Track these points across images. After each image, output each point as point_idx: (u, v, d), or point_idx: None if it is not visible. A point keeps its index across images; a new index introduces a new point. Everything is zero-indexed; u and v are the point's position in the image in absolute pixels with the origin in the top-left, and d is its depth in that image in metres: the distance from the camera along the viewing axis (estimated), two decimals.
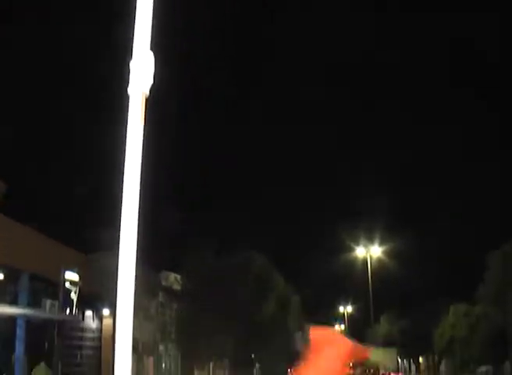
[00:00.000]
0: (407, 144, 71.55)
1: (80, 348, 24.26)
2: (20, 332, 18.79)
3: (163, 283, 32.42)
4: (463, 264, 40.00)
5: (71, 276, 21.06)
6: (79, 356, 24.16)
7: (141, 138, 1.98)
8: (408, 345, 43.40)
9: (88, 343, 25.03)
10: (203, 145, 57.98)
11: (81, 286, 21.51)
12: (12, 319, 18.46)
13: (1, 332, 18.51)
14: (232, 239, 35.12)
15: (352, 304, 65.12)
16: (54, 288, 20.74)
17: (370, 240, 39.73)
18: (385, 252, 39.76)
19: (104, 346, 26.08)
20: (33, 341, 19.76)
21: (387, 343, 47.27)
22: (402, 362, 57.19)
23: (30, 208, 29.31)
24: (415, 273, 42.53)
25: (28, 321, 19.23)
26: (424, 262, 44.80)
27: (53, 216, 29.86)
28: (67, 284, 20.90)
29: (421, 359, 51.46)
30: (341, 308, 67.72)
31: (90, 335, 25.22)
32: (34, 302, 19.50)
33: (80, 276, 21.41)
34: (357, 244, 39.83)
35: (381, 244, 39.57)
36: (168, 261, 32.36)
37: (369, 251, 39.20)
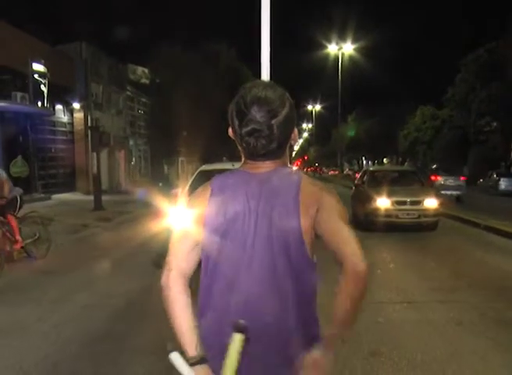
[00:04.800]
0: None
1: (54, 141, 23.79)
2: None
3: (130, 76, 30.82)
4: (435, 67, 39.71)
5: (39, 67, 19.71)
6: (52, 150, 23.81)
7: None
8: (373, 146, 44.68)
9: (60, 137, 24.52)
10: None
11: (50, 78, 20.32)
12: None
13: None
14: (201, 32, 32.37)
15: (321, 103, 65.59)
16: (23, 80, 19.36)
17: (343, 38, 38.21)
18: (357, 49, 38.59)
19: (76, 140, 25.77)
20: (9, 136, 19.12)
21: (353, 144, 48.49)
22: (367, 163, 59.99)
23: None
24: (387, 74, 41.94)
25: (1, 114, 18.24)
26: (397, 63, 44.04)
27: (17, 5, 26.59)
28: (36, 76, 19.69)
29: (385, 160, 53.55)
30: (309, 107, 67.97)
31: (62, 129, 24.57)
32: (4, 95, 18.25)
33: (47, 68, 20.04)
34: (330, 42, 38.36)
35: (354, 41, 38.22)
36: (135, 54, 30.46)
37: (341, 49, 38.00)
